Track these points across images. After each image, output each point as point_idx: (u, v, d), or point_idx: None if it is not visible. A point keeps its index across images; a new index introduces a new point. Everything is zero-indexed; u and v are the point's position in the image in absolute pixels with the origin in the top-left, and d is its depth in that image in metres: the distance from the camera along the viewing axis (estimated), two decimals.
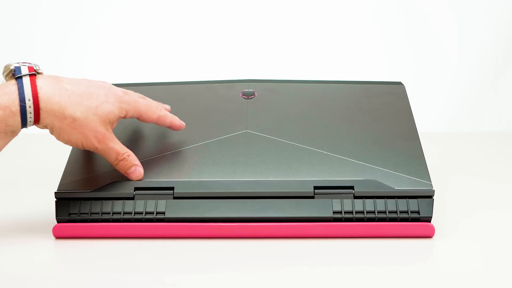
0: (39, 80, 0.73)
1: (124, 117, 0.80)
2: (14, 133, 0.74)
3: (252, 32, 1.72)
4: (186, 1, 1.71)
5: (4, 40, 1.69)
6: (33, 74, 0.73)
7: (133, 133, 0.88)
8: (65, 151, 0.87)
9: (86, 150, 0.79)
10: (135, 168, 0.80)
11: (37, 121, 0.74)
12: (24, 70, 0.73)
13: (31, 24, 1.68)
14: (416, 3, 1.71)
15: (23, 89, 0.72)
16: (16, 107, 0.72)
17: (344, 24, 1.72)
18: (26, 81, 0.72)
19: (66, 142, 0.77)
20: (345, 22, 1.72)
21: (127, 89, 0.85)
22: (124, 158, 0.79)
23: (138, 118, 0.82)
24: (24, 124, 0.73)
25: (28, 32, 1.68)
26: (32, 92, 0.72)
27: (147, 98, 0.84)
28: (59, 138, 0.77)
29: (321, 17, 1.72)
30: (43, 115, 0.73)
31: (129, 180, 0.81)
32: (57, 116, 0.74)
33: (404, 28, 1.72)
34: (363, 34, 1.72)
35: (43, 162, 1.15)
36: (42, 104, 0.73)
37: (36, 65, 0.75)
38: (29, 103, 0.72)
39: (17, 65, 0.74)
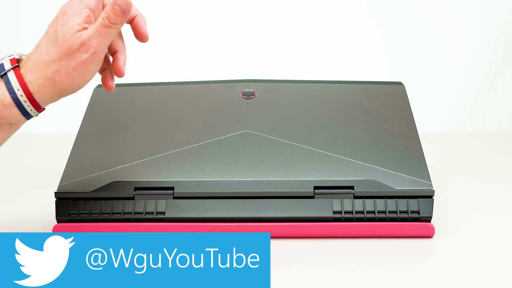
0: (22, 68, 0.73)
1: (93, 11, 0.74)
2: (12, 126, 0.74)
3: (252, 32, 1.72)
4: (186, 1, 1.71)
5: (4, 40, 1.69)
6: (16, 66, 0.74)
7: (133, 134, 0.88)
8: (65, 151, 0.87)
9: (87, 147, 0.79)
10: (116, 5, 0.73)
11: (38, 107, 0.74)
12: (7, 65, 0.74)
13: (31, 25, 1.68)
14: (416, 3, 1.71)
15: (10, 83, 0.73)
16: (8, 100, 0.72)
17: (344, 24, 1.72)
18: (11, 74, 0.73)
19: (81, 82, 0.74)
20: (345, 22, 1.72)
21: (128, 88, 0.85)
22: (108, 20, 0.73)
23: None
24: (26, 114, 0.73)
25: (28, 32, 1.68)
26: (19, 81, 0.73)
27: None
28: (74, 84, 0.74)
29: (321, 17, 1.71)
30: (39, 95, 0.73)
31: (129, 180, 0.81)
32: (46, 82, 0.72)
33: (404, 28, 1.72)
34: (363, 34, 1.72)
35: (43, 162, 1.15)
36: (31, 88, 0.73)
37: (18, 54, 0.75)
38: (19, 92, 0.72)
39: (0, 62, 0.75)
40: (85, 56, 0.72)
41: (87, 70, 0.73)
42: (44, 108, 0.75)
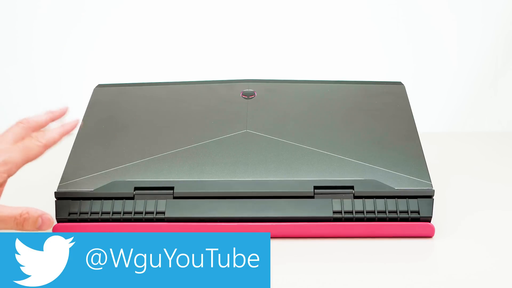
0: None
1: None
2: None
3: (252, 32, 1.72)
4: (186, 1, 1.71)
5: (4, 40, 1.69)
6: None
7: (133, 134, 0.88)
8: (65, 151, 0.87)
9: (87, 147, 0.79)
10: (42, 218, 0.72)
11: None
12: None
13: (31, 25, 1.68)
14: (416, 3, 1.71)
15: None
16: None
17: (344, 24, 1.72)
18: None
19: None
20: (345, 22, 1.72)
21: (128, 88, 0.84)
22: (25, 217, 0.71)
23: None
24: None
25: (28, 32, 1.68)
26: None
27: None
28: None
29: (321, 17, 1.71)
30: None
31: (129, 180, 0.81)
32: None
33: (404, 28, 1.72)
34: (363, 34, 1.72)
35: (43, 162, 1.15)
36: None
37: None
38: None
39: None
40: None
41: None
42: None
